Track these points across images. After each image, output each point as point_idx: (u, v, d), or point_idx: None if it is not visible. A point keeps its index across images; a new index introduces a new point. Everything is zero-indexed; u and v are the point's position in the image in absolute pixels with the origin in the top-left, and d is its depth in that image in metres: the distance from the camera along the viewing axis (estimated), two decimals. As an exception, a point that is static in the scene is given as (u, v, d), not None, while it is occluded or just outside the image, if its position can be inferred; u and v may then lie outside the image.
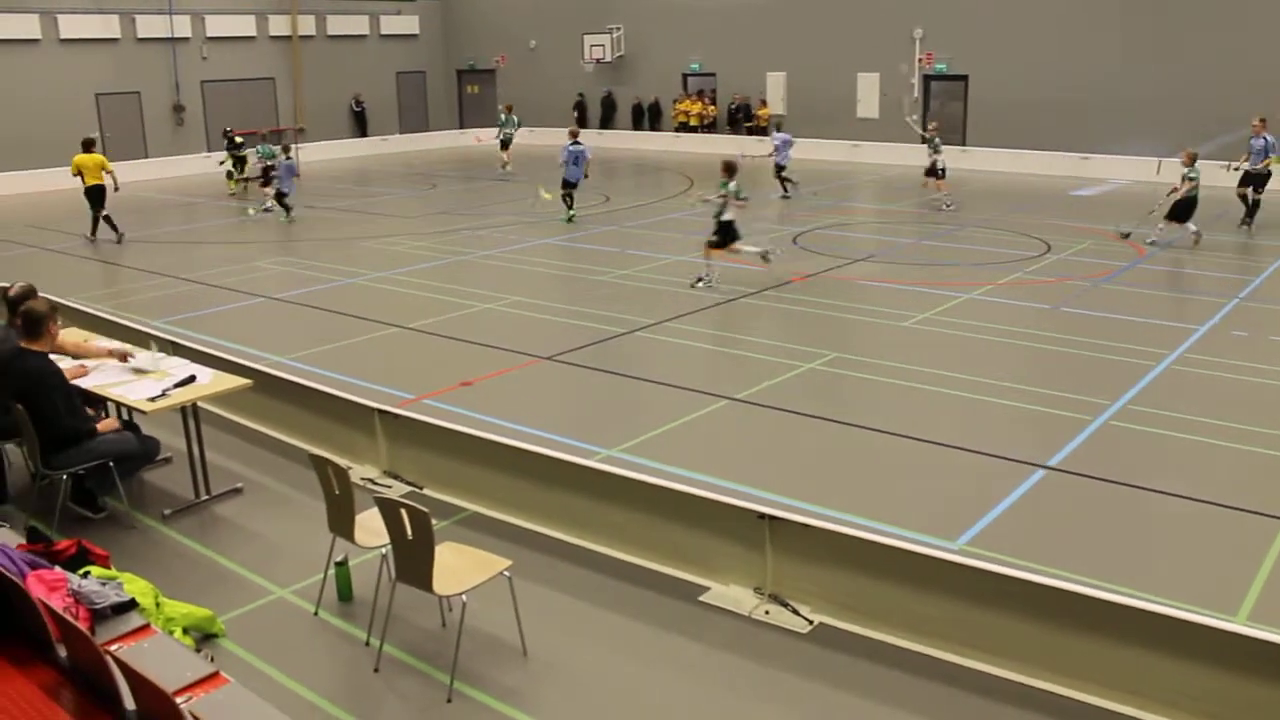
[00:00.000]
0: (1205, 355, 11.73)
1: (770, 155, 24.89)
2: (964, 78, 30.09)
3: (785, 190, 24.54)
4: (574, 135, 21.61)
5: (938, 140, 22.87)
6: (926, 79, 30.88)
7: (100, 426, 8.02)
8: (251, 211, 23.60)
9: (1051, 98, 28.00)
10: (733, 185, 15.30)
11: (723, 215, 15.34)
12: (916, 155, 30.54)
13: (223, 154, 28.38)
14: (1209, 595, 6.60)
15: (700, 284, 15.24)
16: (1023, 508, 8.10)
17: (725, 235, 15.40)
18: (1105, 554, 7.33)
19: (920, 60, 30.65)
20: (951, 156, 29.17)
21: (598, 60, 37.00)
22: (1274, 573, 6.99)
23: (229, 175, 27.91)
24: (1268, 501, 8.06)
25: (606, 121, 37.91)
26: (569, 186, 21.31)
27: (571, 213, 21.36)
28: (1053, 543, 7.51)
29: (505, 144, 30.68)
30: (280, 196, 22.31)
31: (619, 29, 36.64)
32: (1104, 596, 5.65)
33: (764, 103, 33.70)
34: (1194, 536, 7.74)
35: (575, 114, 38.26)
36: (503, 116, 31.06)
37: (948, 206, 22.17)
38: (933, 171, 22.84)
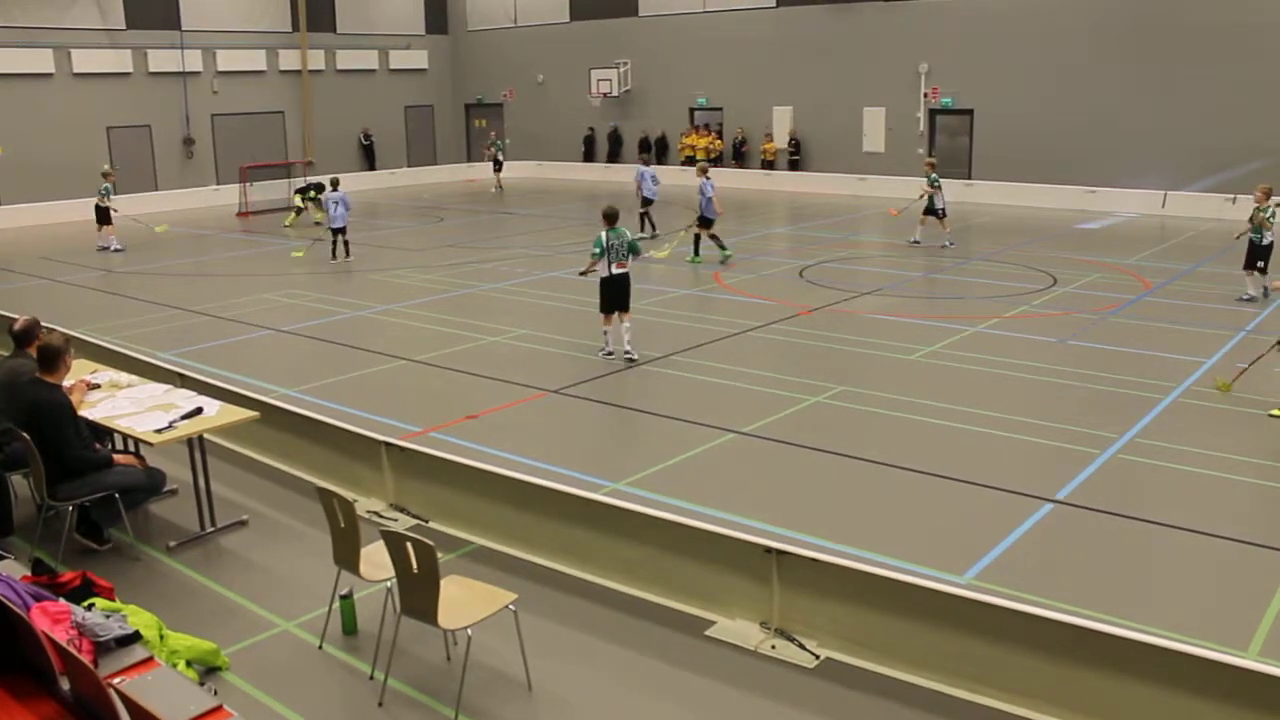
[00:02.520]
0: (1212, 389, 11.70)
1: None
2: (969, 112, 30.25)
3: (651, 230, 23.39)
4: (704, 171, 20.63)
5: (935, 177, 21.84)
6: (932, 113, 31.04)
7: (118, 460, 8.04)
8: (298, 254, 22.40)
9: (1056, 131, 28.14)
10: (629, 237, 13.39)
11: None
12: (922, 189, 30.76)
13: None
14: (1219, 630, 6.55)
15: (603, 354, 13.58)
16: (1030, 541, 8.06)
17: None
18: (1114, 588, 7.28)
19: (926, 95, 30.82)
20: (957, 190, 29.41)
21: (605, 95, 37.26)
22: (1284, 608, 6.94)
23: (298, 210, 28.20)
24: (1277, 535, 8.01)
25: (614, 155, 38.13)
26: (708, 224, 20.15)
27: (727, 252, 20.19)
28: (1061, 577, 7.47)
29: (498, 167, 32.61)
30: (339, 233, 21.20)
31: (626, 64, 36.92)
32: (1113, 631, 5.61)
33: (769, 137, 33.85)
34: (1203, 571, 7.69)
35: (584, 148, 38.53)
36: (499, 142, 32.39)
37: (949, 244, 21.87)
38: (931, 210, 21.85)
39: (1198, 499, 8.86)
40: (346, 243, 21.41)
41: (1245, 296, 16.34)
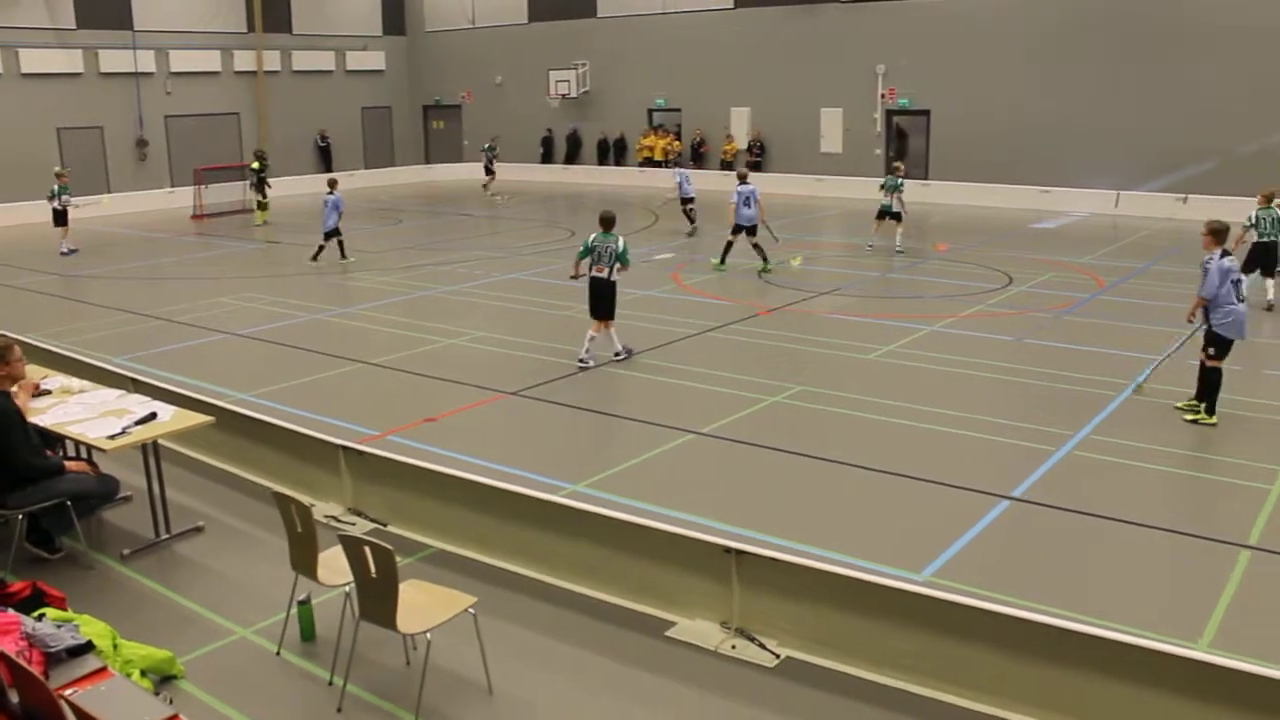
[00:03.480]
0: (1164, 385, 11.86)
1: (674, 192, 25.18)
2: (926, 113, 30.50)
3: (692, 223, 24.67)
4: (743, 178, 19.88)
5: (900, 181, 21.49)
6: (889, 114, 31.27)
7: (70, 466, 7.92)
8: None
9: (1012, 132, 28.45)
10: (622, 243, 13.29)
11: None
12: (879, 190, 30.97)
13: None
14: (1172, 623, 6.65)
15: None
16: (988, 539, 8.14)
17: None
18: (1070, 584, 7.37)
19: (883, 96, 31.04)
20: (914, 190, 29.60)
21: (563, 96, 37.21)
22: (1235, 599, 7.06)
23: (260, 206, 28.03)
24: (1228, 529, 8.15)
25: (572, 157, 38.11)
26: (739, 231, 19.30)
27: (768, 266, 19.30)
28: (1018, 573, 7.55)
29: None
30: (331, 235, 20.77)
31: (584, 65, 36.88)
32: (1070, 626, 5.67)
33: (730, 137, 33.98)
34: (1157, 564, 7.80)
35: (542, 150, 38.47)
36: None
37: (900, 249, 21.25)
38: (887, 214, 21.37)
39: (1150, 494, 8.98)
40: (341, 243, 20.95)
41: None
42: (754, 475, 9.68)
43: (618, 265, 13.16)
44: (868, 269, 19.90)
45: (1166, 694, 5.36)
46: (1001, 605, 5.99)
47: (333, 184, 21.31)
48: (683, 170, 26.83)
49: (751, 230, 19.26)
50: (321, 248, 20.97)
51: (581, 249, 13.29)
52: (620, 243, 13.15)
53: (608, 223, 13.23)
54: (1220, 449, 9.89)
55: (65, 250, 22.89)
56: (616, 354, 13.35)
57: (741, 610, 6.64)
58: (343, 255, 21.05)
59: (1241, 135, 25.39)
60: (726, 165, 33.99)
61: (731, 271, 19.42)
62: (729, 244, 19.61)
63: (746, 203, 19.19)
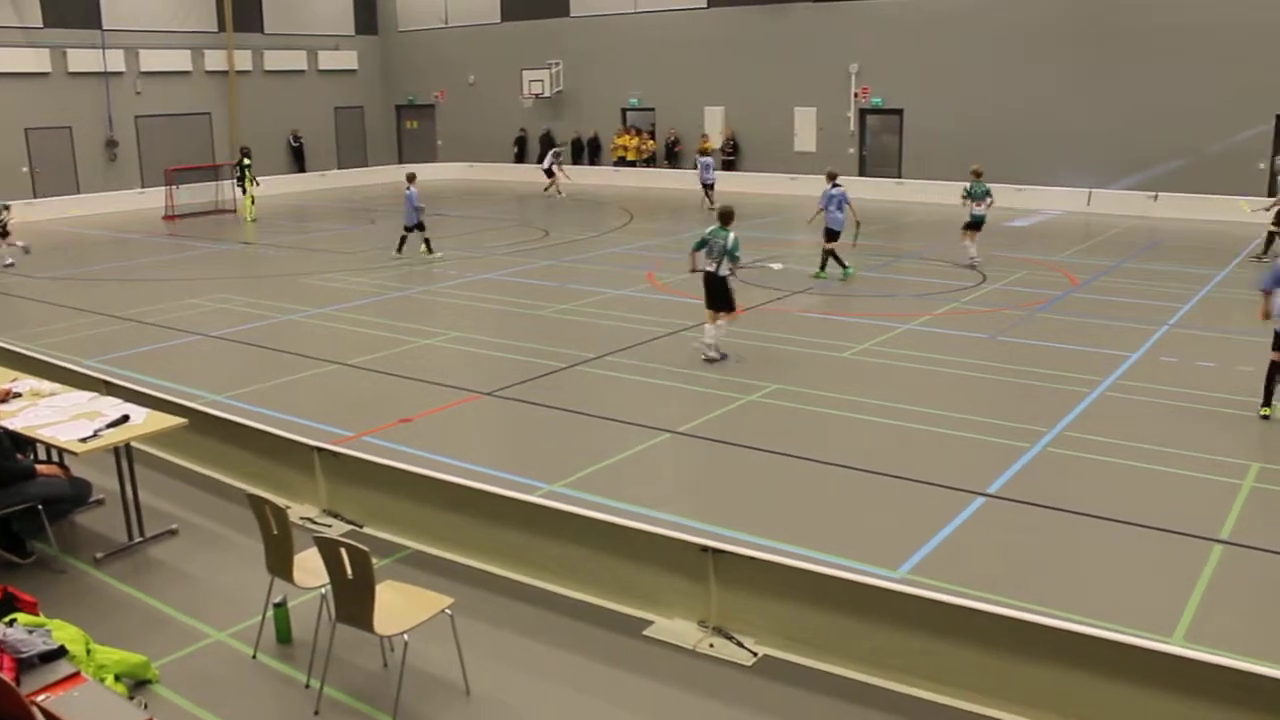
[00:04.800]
0: (1137, 381, 11.97)
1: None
2: (899, 111, 30.63)
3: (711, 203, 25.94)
4: (832, 178, 18.80)
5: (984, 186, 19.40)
6: (863, 113, 31.39)
7: (42, 470, 7.85)
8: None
9: (985, 131, 28.61)
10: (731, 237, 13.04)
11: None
12: (853, 188, 31.10)
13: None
14: (1146, 618, 6.70)
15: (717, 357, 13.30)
16: (963, 535, 8.18)
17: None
18: (1046, 580, 7.42)
19: (856, 95, 31.15)
20: (887, 189, 29.80)
21: (537, 95, 37.17)
22: (1208, 594, 7.12)
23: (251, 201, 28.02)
24: (1201, 524, 8.23)
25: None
26: (834, 237, 18.31)
27: (849, 270, 18.55)
28: (994, 569, 7.59)
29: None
30: (416, 229, 20.77)
31: (558, 64, 36.85)
32: (1046, 622, 5.71)
33: (705, 137, 34.00)
34: (1131, 560, 7.86)
35: (515, 149, 38.38)
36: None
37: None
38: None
39: (1123, 490, 9.04)
40: (426, 239, 21.09)
41: None
42: (730, 474, 9.70)
43: (726, 260, 13.05)
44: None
45: (1140, 688, 5.40)
46: (977, 601, 6.02)
47: (411, 178, 21.04)
48: (704, 158, 29.15)
49: (835, 235, 18.32)
50: (404, 239, 21.16)
51: (696, 241, 13.34)
52: (730, 238, 12.98)
53: (725, 217, 13.16)
54: (1192, 444, 9.97)
55: (4, 263, 21.11)
56: (709, 351, 13.24)
57: (719, 609, 6.65)
58: (429, 250, 21.13)
59: (1211, 134, 25.68)
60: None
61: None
62: (829, 252, 18.45)
63: (839, 206, 18.13)
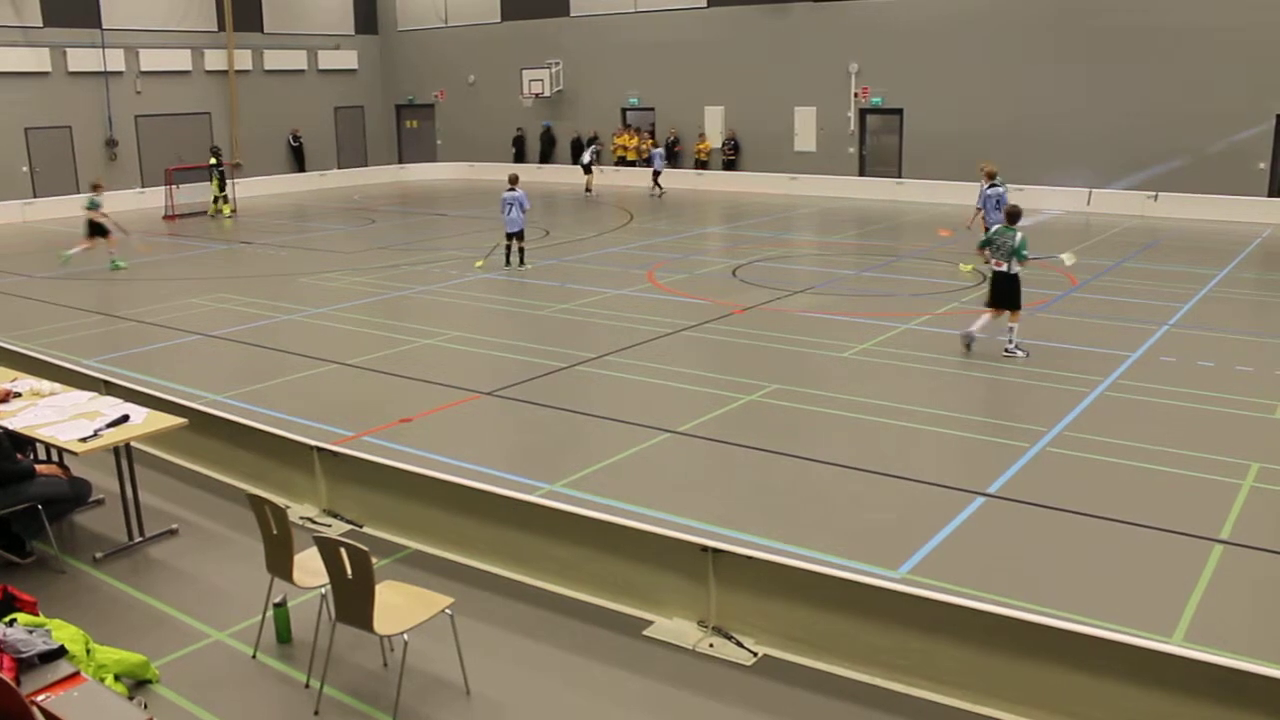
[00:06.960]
0: (1137, 381, 11.96)
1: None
2: (899, 111, 30.63)
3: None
4: (991, 176, 18.31)
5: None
6: (863, 112, 31.39)
7: (41, 470, 7.84)
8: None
9: (985, 130, 28.59)
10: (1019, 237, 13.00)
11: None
12: (853, 188, 31.18)
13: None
14: (1146, 618, 6.70)
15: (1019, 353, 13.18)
16: (963, 535, 8.17)
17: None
18: (1046, 580, 7.41)
19: (856, 94, 31.15)
20: (887, 188, 29.82)
21: (536, 95, 37.16)
22: (1208, 594, 7.12)
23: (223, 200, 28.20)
24: (1200, 523, 8.22)
25: (546, 156, 38.03)
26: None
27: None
28: (994, 569, 7.58)
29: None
30: (514, 237, 19.59)
31: (558, 64, 36.84)
32: (1046, 622, 5.70)
33: (703, 136, 34.04)
34: (1130, 560, 7.85)
35: (514, 149, 38.38)
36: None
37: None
38: None
39: (1125, 489, 9.04)
40: (522, 249, 19.83)
41: None
42: (730, 474, 9.70)
43: (1014, 260, 13.06)
44: (842, 267, 19.96)
45: (1140, 688, 5.39)
46: (977, 601, 6.02)
47: (514, 180, 19.80)
48: (657, 150, 32.10)
49: None
50: (522, 250, 19.90)
51: (982, 239, 13.36)
52: (1018, 237, 13.03)
53: (1013, 216, 13.18)
54: (1192, 444, 9.96)
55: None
56: (1006, 349, 13.23)
57: (719, 609, 6.65)
58: (521, 261, 19.81)
59: (1211, 134, 25.68)
60: (701, 164, 34.10)
61: (707, 270, 19.44)
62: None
63: (997, 205, 17.52)
